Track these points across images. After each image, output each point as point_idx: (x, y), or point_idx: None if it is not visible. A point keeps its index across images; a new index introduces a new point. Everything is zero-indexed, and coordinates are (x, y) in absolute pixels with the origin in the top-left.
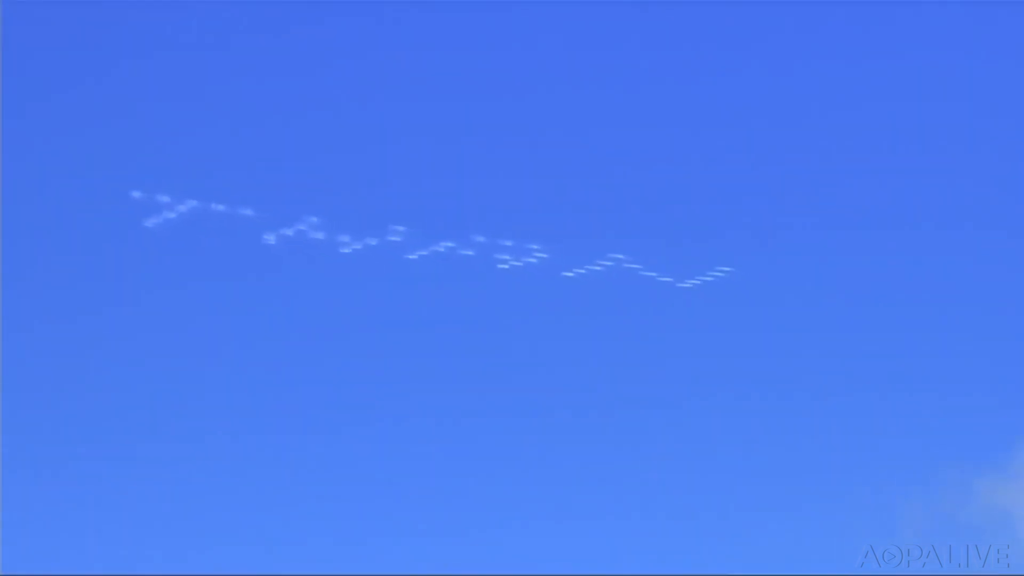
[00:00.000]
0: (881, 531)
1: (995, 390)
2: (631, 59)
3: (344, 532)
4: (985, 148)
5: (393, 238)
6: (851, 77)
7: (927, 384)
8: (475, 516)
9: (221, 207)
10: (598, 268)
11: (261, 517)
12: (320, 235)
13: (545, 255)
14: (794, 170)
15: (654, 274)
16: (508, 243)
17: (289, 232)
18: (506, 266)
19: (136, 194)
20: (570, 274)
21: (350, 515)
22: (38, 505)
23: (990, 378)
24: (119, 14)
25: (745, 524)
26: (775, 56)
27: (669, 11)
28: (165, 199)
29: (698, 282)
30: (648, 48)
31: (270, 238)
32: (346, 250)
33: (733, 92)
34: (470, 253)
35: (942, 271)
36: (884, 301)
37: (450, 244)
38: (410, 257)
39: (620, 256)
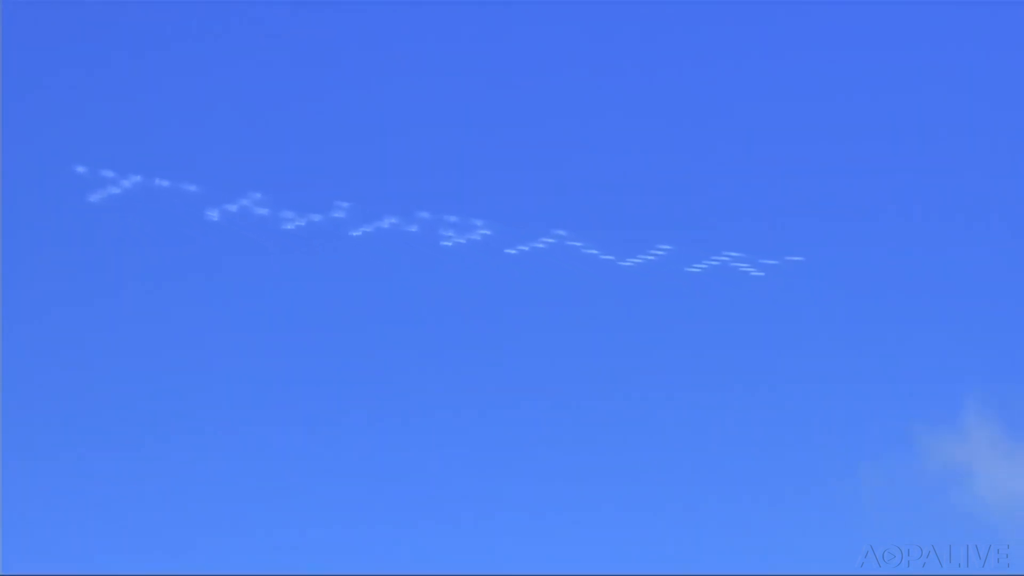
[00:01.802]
0: (846, 499)
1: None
2: (582, 44)
3: (314, 525)
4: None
5: (337, 214)
6: (806, 59)
7: (875, 349)
8: (414, 496)
9: (165, 183)
10: (541, 245)
11: (235, 511)
12: (264, 211)
13: (488, 232)
14: (740, 152)
15: (596, 252)
16: (452, 219)
17: (233, 208)
18: (450, 243)
19: (80, 169)
20: (513, 251)
21: (304, 500)
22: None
23: (937, 344)
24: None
25: (690, 499)
26: (717, 39)
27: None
28: (109, 174)
29: (639, 261)
30: (598, 33)
31: (213, 214)
32: (290, 226)
33: (678, 77)
34: (414, 229)
35: (888, 258)
36: (820, 276)
37: (394, 220)
38: (354, 234)
39: (562, 233)
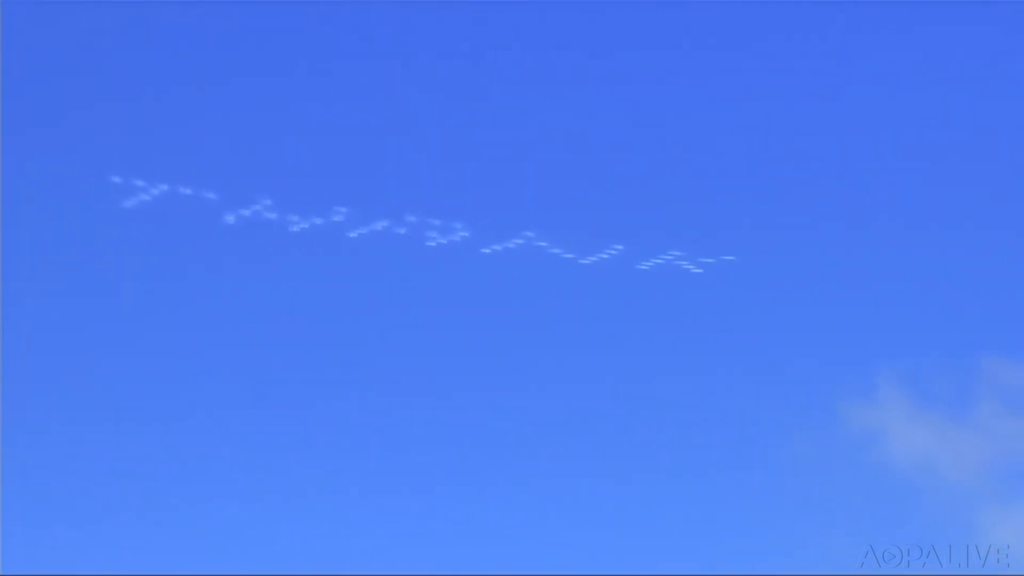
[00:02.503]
0: (783, 464)
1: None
2: (559, 52)
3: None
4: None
5: (336, 218)
6: (774, 56)
7: (799, 335)
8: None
9: (188, 191)
10: (512, 245)
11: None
12: (273, 215)
13: (467, 233)
14: (682, 161)
15: (559, 251)
16: (436, 222)
17: (246, 212)
18: (433, 243)
19: (116, 179)
20: (488, 250)
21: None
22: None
23: (853, 327)
24: (104, 12)
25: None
26: (672, 49)
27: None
28: (140, 183)
29: (596, 259)
30: (558, 47)
31: (230, 218)
32: (295, 228)
33: (633, 91)
34: (403, 231)
35: (808, 255)
36: (751, 272)
37: (385, 223)
38: (351, 235)
39: (531, 235)
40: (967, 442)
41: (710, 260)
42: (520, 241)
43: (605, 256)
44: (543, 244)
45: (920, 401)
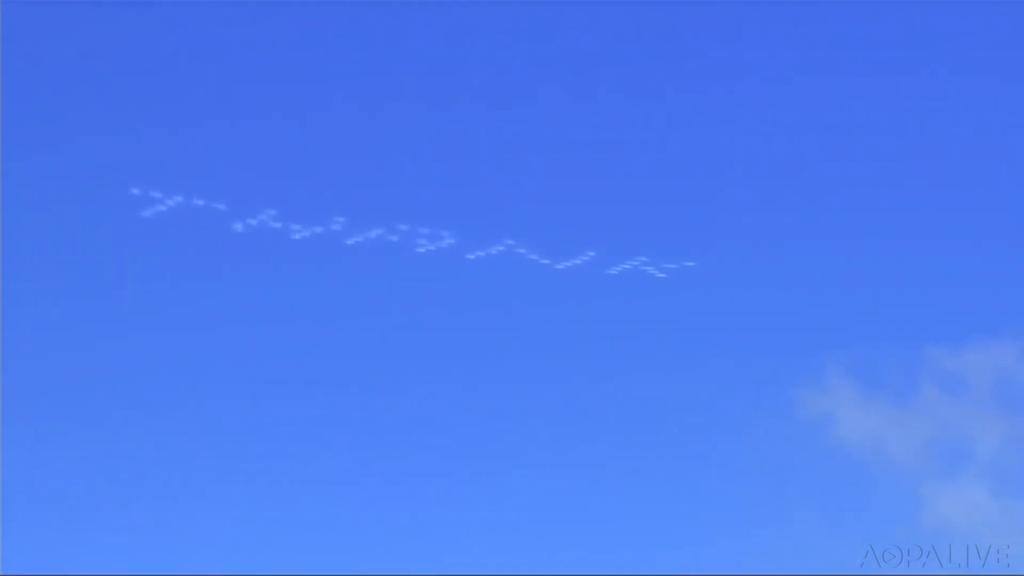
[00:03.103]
0: (744, 447)
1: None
2: (535, 71)
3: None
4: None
5: (335, 227)
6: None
7: (754, 333)
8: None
9: (200, 202)
10: (494, 252)
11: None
12: (278, 224)
13: (453, 241)
14: (649, 172)
15: (536, 257)
16: (425, 231)
17: (253, 222)
18: (423, 249)
19: (135, 191)
20: (472, 256)
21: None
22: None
23: (804, 322)
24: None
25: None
26: (639, 64)
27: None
28: (157, 195)
29: (570, 264)
30: (549, 58)
31: (238, 226)
32: (297, 236)
33: (599, 107)
34: (395, 238)
35: (761, 259)
36: (710, 276)
37: (380, 231)
38: (348, 242)
39: (511, 242)
40: (911, 424)
41: (672, 265)
42: (501, 248)
43: (578, 262)
44: (522, 251)
45: (867, 387)
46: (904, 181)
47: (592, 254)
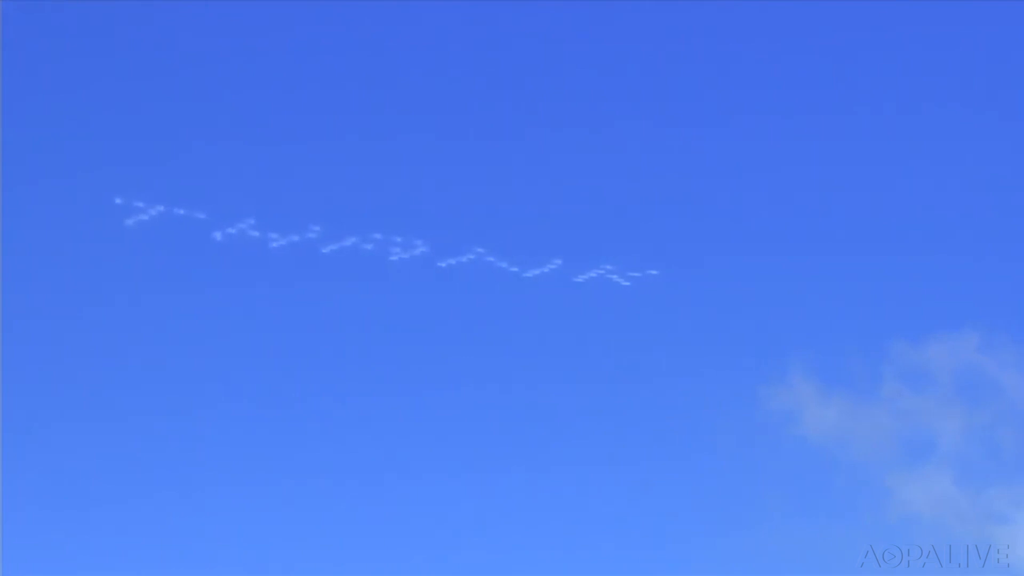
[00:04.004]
0: (714, 440)
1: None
2: (503, 85)
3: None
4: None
5: (311, 235)
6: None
7: (719, 335)
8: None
9: (181, 211)
10: (465, 260)
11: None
12: (256, 233)
13: (426, 249)
14: (612, 184)
15: (505, 265)
16: (398, 239)
17: (232, 231)
18: (396, 257)
19: (118, 200)
20: (444, 264)
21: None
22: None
23: (767, 324)
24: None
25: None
26: (601, 77)
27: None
28: (140, 204)
29: (538, 272)
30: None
31: (217, 235)
32: (275, 244)
33: (576, 111)
34: (369, 247)
35: (723, 264)
36: (674, 284)
37: (354, 240)
38: (324, 250)
39: (481, 250)
40: (874, 417)
41: (636, 274)
42: (472, 256)
43: (546, 270)
44: (492, 259)
45: (830, 383)
46: (861, 180)
47: (559, 262)
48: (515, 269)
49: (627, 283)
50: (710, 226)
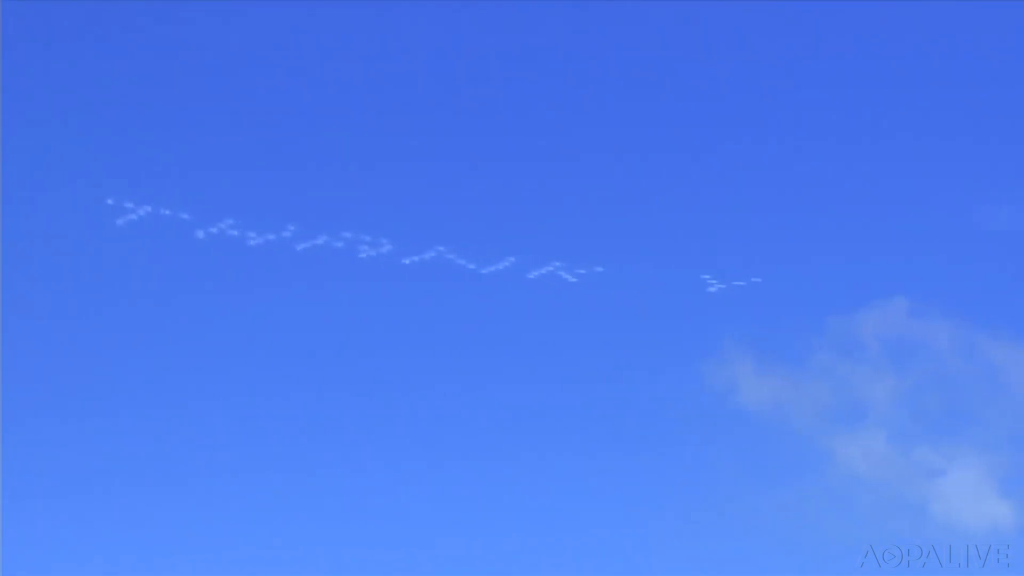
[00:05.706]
0: (661, 415)
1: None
2: (463, 89)
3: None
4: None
5: (286, 234)
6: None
7: (660, 320)
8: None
9: (167, 211)
10: (427, 257)
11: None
12: (235, 232)
13: (391, 247)
14: (562, 182)
15: (464, 262)
16: (367, 238)
17: (214, 230)
18: (364, 255)
19: (109, 201)
20: (407, 261)
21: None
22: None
23: (703, 302)
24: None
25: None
26: (567, 88)
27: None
28: (129, 205)
29: (494, 269)
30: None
31: (200, 234)
32: (252, 243)
33: (529, 112)
34: (340, 245)
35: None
36: (618, 281)
37: (326, 238)
38: (298, 248)
39: (442, 248)
40: (810, 386)
41: (583, 271)
42: (433, 254)
43: (501, 267)
44: (452, 256)
45: (760, 361)
46: (789, 160)
47: (513, 260)
48: (473, 266)
49: (574, 280)
50: (648, 225)
